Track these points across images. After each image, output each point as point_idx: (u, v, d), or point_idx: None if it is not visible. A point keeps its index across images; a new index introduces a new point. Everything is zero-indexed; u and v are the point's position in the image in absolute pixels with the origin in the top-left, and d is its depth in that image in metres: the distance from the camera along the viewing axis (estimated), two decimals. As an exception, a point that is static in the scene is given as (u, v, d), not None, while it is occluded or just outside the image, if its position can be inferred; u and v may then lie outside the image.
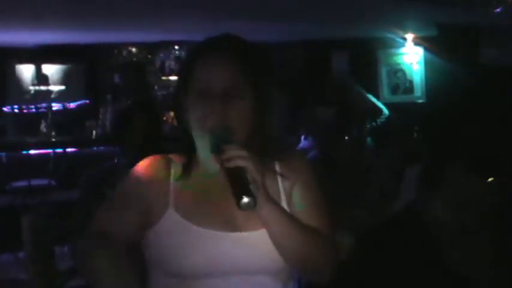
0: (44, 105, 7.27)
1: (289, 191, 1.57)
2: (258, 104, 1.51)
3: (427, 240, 1.83)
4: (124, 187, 1.57)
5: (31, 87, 7.43)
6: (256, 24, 6.41)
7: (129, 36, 7.26)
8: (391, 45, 7.77)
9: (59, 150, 6.34)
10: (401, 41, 7.63)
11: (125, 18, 5.79)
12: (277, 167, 1.59)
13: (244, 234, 1.50)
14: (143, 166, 1.57)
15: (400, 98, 7.78)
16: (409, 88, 7.84)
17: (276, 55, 7.56)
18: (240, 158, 1.39)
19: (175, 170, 1.56)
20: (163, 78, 7.80)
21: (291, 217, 1.49)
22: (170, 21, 6.06)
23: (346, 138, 5.95)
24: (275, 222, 1.45)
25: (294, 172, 1.58)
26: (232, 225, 1.50)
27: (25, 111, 7.35)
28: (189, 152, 1.57)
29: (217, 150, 1.42)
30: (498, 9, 4.96)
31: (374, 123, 6.07)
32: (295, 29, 7.09)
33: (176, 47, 7.73)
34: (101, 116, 6.24)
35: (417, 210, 1.90)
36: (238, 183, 1.37)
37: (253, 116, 1.51)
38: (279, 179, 1.58)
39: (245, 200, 1.34)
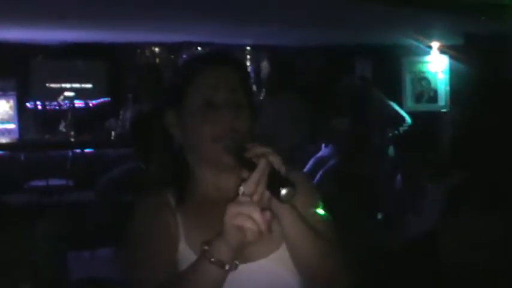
0: (66, 102, 7.31)
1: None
2: (253, 113, 1.51)
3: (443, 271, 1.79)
4: (138, 228, 1.50)
5: (54, 84, 7.48)
6: (279, 29, 6.38)
7: (152, 36, 7.28)
8: (416, 52, 7.68)
9: (78, 150, 6.33)
10: (426, 48, 7.54)
11: (148, 19, 5.80)
12: None
13: (253, 264, 1.44)
14: (143, 209, 1.51)
15: (423, 107, 7.70)
16: (433, 97, 7.75)
17: (297, 61, 7.51)
18: (267, 153, 1.30)
19: (173, 199, 1.50)
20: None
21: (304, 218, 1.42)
22: (193, 22, 6.05)
23: (366, 147, 5.87)
24: (293, 221, 1.38)
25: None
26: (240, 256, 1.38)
27: (47, 107, 7.39)
28: (186, 176, 1.51)
29: (236, 151, 1.36)
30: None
31: (396, 132, 5.99)
32: (319, 35, 7.04)
33: (199, 48, 7.72)
34: (120, 117, 6.22)
35: (437, 237, 1.84)
36: (273, 177, 1.28)
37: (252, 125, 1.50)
38: None
39: (284, 190, 1.23)
